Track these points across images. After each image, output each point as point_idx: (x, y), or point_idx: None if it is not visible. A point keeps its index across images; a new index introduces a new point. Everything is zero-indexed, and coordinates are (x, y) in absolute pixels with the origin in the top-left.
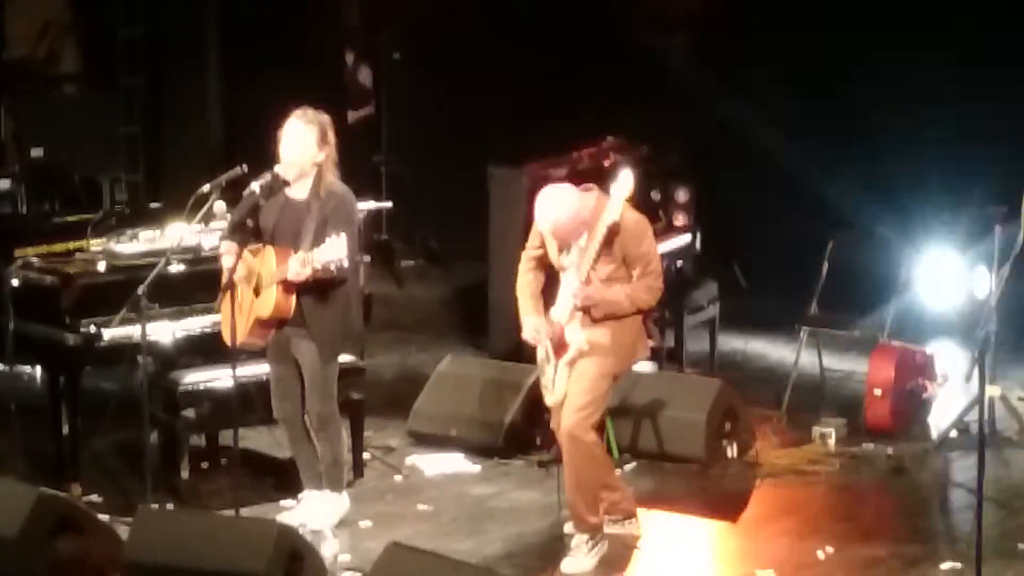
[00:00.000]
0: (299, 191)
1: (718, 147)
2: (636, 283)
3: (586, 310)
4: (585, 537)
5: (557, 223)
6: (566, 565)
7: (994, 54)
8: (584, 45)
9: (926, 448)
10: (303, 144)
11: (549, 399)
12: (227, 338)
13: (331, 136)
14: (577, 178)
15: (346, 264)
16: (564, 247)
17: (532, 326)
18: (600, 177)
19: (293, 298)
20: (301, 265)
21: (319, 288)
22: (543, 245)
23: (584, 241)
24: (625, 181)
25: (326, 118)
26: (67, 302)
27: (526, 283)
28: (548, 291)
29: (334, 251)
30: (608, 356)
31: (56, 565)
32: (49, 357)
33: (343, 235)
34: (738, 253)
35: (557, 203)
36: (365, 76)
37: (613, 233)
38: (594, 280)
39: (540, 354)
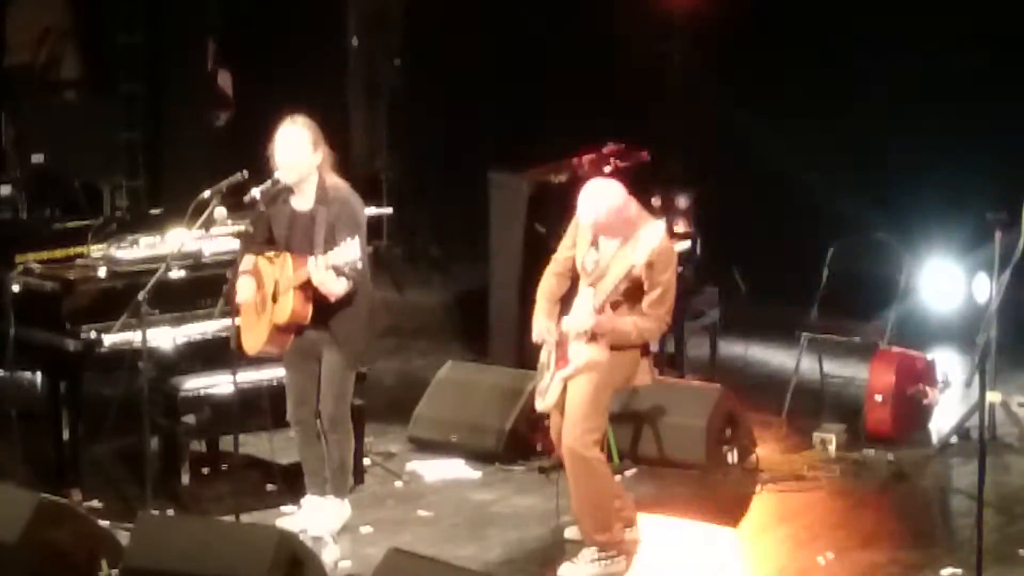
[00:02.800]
0: (304, 201)
1: (719, 153)
2: (647, 316)
3: (594, 336)
4: (593, 549)
5: (599, 216)
6: (563, 570)
7: (995, 60)
8: (585, 51)
9: (927, 454)
10: (298, 148)
11: (539, 405)
12: (246, 349)
13: (321, 139)
14: (578, 184)
15: (360, 266)
16: (595, 243)
17: (542, 329)
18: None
19: (310, 304)
20: (324, 267)
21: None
22: (575, 246)
23: (610, 251)
24: (656, 231)
25: (314, 124)
26: (68, 308)
27: (547, 286)
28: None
29: (347, 253)
30: (605, 372)
31: (55, 570)
32: (50, 363)
33: (356, 237)
34: (738, 259)
35: (603, 195)
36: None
37: (634, 276)
38: (607, 309)
39: (543, 358)
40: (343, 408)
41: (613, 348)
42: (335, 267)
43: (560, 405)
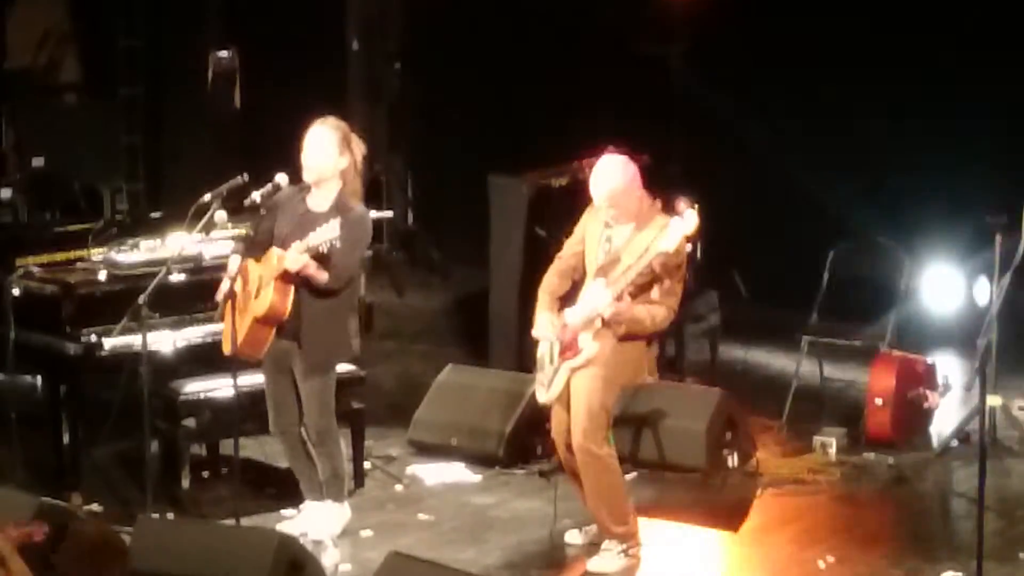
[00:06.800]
0: (320, 202)
1: (718, 157)
2: (658, 304)
3: (608, 324)
4: (615, 542)
5: (615, 187)
6: (592, 564)
7: (994, 63)
8: (585, 54)
9: (927, 458)
10: (324, 149)
11: (542, 397)
12: (226, 348)
13: (354, 145)
14: (579, 187)
15: (339, 244)
16: (608, 226)
17: (545, 322)
18: None
19: (289, 299)
20: (298, 252)
21: (317, 297)
22: (583, 241)
23: (623, 237)
24: (690, 219)
25: (347, 127)
26: (68, 311)
27: (549, 283)
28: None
29: (327, 232)
30: (611, 367)
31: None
32: (50, 366)
33: (337, 219)
34: (739, 262)
35: (617, 168)
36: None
37: (662, 263)
38: (625, 297)
39: (542, 351)
40: (328, 418)
41: (621, 339)
42: (311, 247)
43: (564, 399)
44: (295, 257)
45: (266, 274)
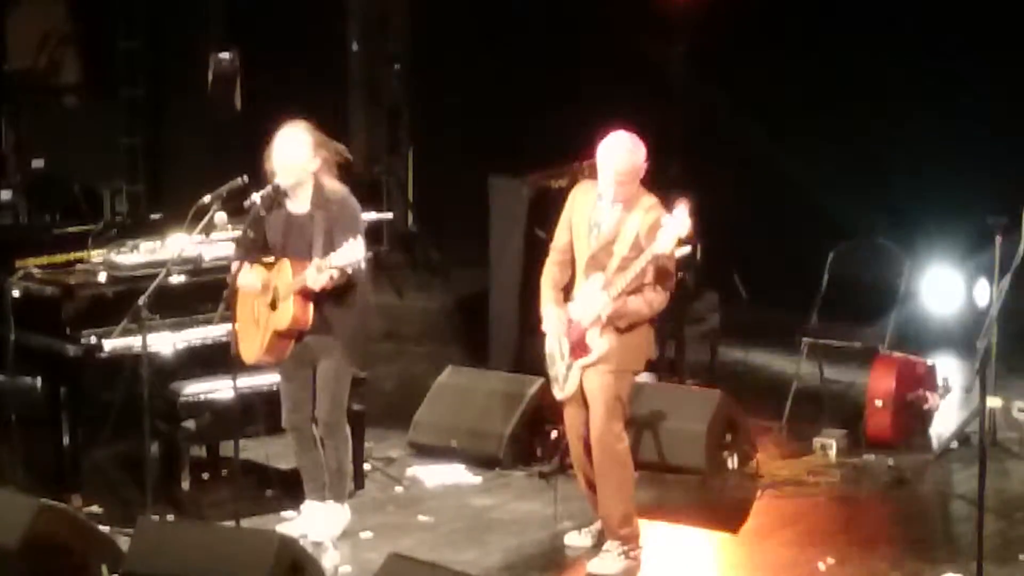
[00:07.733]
0: (300, 204)
1: (718, 157)
2: (654, 289)
3: (610, 322)
4: (617, 543)
5: (625, 170)
6: (593, 565)
7: (995, 63)
8: (585, 54)
9: (927, 459)
10: (294, 150)
11: (558, 394)
12: (247, 359)
13: (326, 147)
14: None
15: (363, 266)
16: (605, 197)
17: (553, 317)
18: None
19: (311, 309)
20: (318, 271)
21: (338, 293)
22: (571, 228)
23: (612, 219)
24: (682, 220)
25: (315, 129)
26: (68, 313)
27: (551, 275)
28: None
29: (351, 254)
30: (622, 360)
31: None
32: (50, 368)
33: (358, 237)
34: (739, 264)
35: (628, 149)
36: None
37: (656, 265)
38: (622, 296)
39: (551, 347)
40: (339, 414)
41: (626, 330)
42: (338, 268)
43: (577, 397)
44: (316, 277)
45: (282, 286)
